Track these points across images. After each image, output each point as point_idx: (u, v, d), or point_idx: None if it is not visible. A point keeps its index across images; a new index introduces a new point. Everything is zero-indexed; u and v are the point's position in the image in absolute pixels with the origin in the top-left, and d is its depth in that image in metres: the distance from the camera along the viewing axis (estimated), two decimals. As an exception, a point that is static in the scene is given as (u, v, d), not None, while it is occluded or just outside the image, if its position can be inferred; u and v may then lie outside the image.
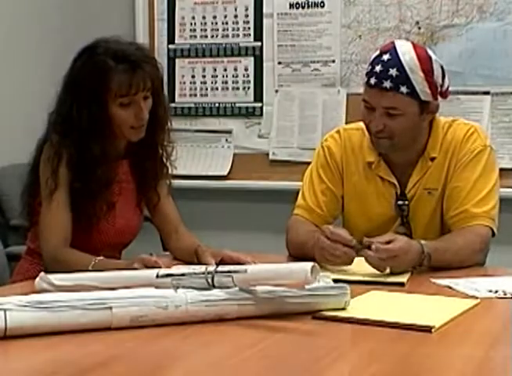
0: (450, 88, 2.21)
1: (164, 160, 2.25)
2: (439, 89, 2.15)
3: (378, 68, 2.09)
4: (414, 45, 2.15)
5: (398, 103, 2.09)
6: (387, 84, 2.07)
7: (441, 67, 2.15)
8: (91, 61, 2.06)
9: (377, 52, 2.15)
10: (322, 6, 3.74)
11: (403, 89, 2.07)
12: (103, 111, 2.06)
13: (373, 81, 2.10)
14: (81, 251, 2.02)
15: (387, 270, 1.92)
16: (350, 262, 1.95)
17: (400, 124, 2.11)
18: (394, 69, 2.07)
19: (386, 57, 2.10)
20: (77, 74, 2.08)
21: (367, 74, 2.13)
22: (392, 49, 2.11)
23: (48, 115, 2.15)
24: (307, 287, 1.51)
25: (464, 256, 2.07)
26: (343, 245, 1.94)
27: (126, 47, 2.09)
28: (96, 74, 2.04)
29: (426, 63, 2.10)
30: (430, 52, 2.16)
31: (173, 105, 3.95)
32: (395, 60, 2.08)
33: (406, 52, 2.10)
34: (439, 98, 2.17)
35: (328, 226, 2.02)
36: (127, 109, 2.06)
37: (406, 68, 2.07)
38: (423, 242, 1.98)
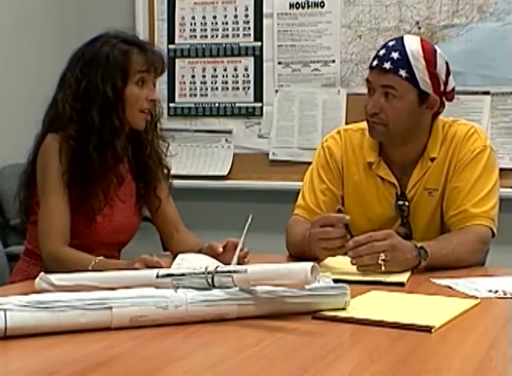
0: (450, 88, 2.22)
1: (161, 159, 2.26)
2: (442, 86, 2.16)
3: (382, 52, 2.16)
4: (422, 39, 2.20)
5: (395, 84, 2.12)
6: (387, 65, 2.12)
7: (446, 64, 2.17)
8: (108, 43, 2.12)
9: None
10: (322, 6, 3.75)
11: (402, 72, 2.11)
12: (125, 87, 2.10)
13: (375, 62, 2.17)
14: (78, 249, 2.02)
15: (383, 268, 1.91)
16: (347, 241, 1.94)
17: (396, 109, 2.13)
18: (397, 53, 2.13)
19: (391, 44, 2.17)
20: (97, 53, 2.12)
21: (372, 59, 2.19)
22: (399, 39, 2.18)
23: (53, 100, 2.16)
24: (307, 287, 1.51)
25: (461, 255, 2.06)
26: (333, 227, 1.95)
27: (133, 36, 2.19)
28: (118, 51, 2.11)
29: (429, 53, 2.14)
30: (436, 47, 2.20)
31: (173, 105, 3.95)
32: (399, 46, 2.14)
33: (413, 43, 2.16)
34: (444, 100, 2.18)
35: (315, 218, 2.02)
36: (141, 89, 2.12)
37: (408, 53, 2.12)
38: (416, 243, 1.98)
